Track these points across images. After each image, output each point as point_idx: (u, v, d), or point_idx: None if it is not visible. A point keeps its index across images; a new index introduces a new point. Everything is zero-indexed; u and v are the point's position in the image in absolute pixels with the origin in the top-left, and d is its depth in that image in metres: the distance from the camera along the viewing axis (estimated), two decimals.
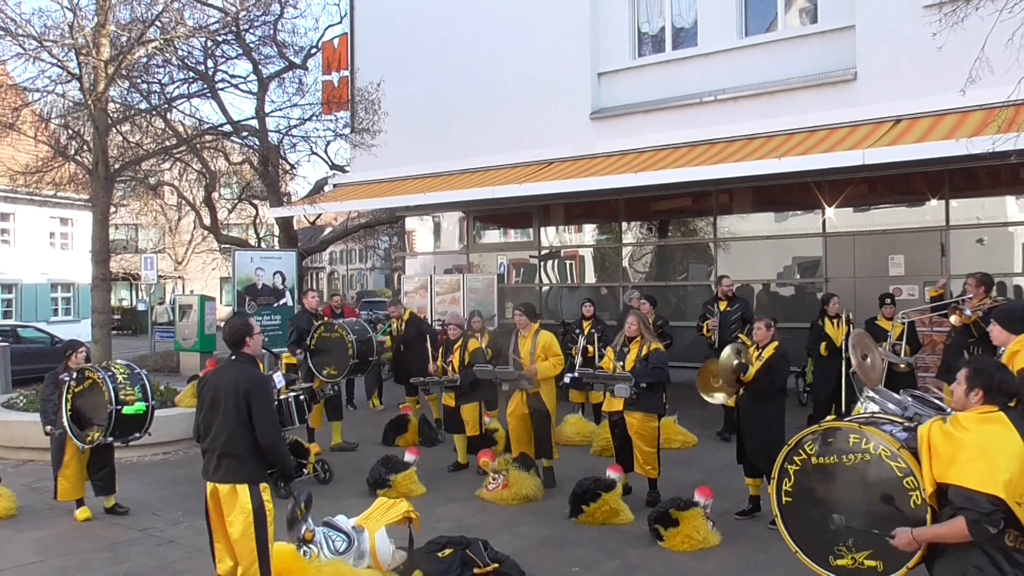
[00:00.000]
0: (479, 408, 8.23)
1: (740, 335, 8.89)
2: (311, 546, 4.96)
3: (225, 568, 4.50)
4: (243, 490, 4.33)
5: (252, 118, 16.54)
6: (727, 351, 6.51)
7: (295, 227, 19.87)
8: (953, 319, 7.59)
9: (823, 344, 9.06)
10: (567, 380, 7.58)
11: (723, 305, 9.77)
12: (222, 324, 5.46)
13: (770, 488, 3.85)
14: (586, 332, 9.85)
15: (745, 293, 13.09)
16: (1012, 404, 3.19)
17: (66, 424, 6.68)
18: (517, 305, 7.89)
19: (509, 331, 10.59)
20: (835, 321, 9.11)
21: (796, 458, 3.68)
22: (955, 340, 7.81)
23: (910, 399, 3.98)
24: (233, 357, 4.59)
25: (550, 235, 16.11)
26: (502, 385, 7.68)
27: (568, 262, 16.13)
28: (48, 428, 6.89)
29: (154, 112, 13.55)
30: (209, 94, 15.38)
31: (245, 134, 16.01)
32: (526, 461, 7.37)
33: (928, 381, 9.18)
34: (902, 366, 8.70)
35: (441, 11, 15.63)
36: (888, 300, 9.17)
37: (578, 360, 8.92)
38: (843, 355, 8.56)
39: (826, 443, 3.59)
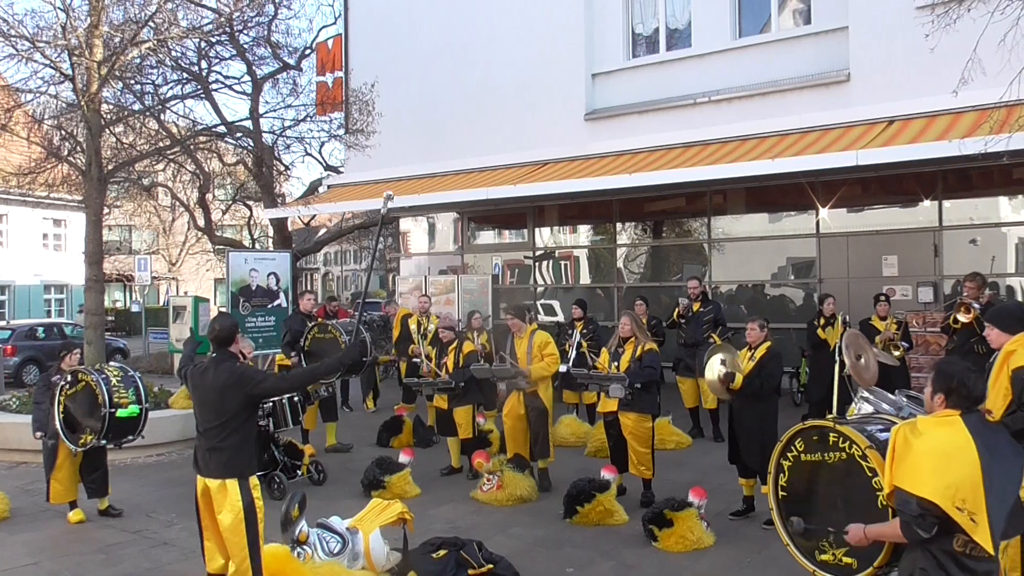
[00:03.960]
0: (472, 411, 8.19)
1: (713, 335, 8.94)
2: (305, 547, 4.95)
3: (216, 566, 4.50)
4: (233, 485, 4.33)
5: (246, 119, 16.52)
6: (711, 364, 6.47)
7: (289, 228, 19.82)
8: (962, 317, 7.55)
9: (820, 330, 9.16)
10: (561, 370, 7.60)
11: (696, 306, 9.73)
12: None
13: (766, 486, 3.90)
14: (579, 332, 9.86)
15: (742, 293, 13.15)
16: (1010, 410, 3.17)
17: (58, 427, 6.65)
18: (506, 309, 7.86)
19: (505, 331, 10.60)
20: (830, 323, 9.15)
21: (789, 454, 3.77)
22: (958, 342, 7.75)
23: (905, 399, 4.00)
24: (215, 356, 4.55)
25: (545, 236, 16.12)
26: (499, 384, 7.68)
27: (563, 263, 16.14)
28: (38, 434, 6.88)
29: (148, 113, 13.49)
30: (203, 95, 15.34)
31: (239, 135, 15.95)
32: (520, 462, 7.37)
33: (921, 381, 9.19)
34: (895, 355, 8.75)
35: (435, 12, 15.63)
36: (882, 299, 9.21)
37: (571, 353, 8.93)
38: (836, 357, 8.57)
39: (812, 441, 3.66)
